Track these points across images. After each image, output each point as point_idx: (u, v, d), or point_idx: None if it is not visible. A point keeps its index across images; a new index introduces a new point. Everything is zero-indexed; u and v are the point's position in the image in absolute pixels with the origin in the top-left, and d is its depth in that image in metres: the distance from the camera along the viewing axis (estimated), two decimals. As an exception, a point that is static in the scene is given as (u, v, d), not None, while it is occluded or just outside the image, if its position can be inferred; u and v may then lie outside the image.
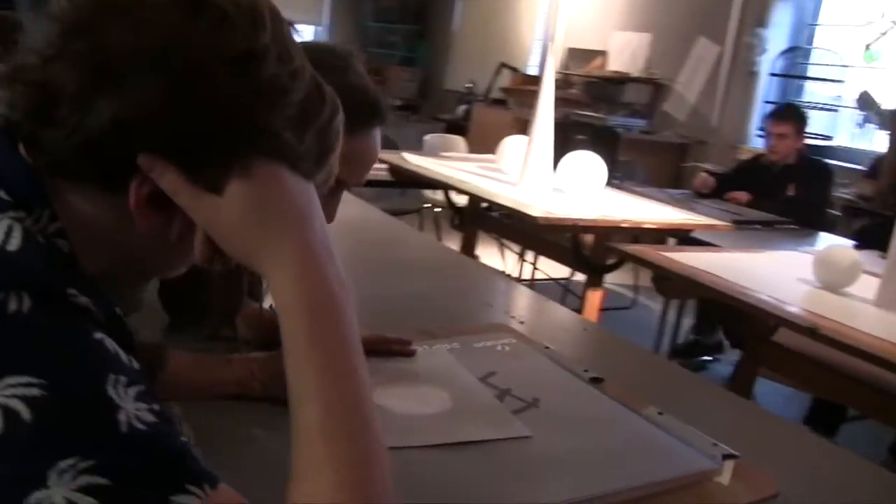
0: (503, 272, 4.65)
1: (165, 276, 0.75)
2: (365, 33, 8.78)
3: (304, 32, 8.51)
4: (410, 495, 0.83)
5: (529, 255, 4.40)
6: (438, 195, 4.24)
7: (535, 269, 4.32)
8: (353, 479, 0.55)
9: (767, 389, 2.82)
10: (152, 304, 1.24)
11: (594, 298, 2.46)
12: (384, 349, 1.22)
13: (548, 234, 2.75)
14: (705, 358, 3.60)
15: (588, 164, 2.50)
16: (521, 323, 1.49)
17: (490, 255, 4.72)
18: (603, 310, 3.93)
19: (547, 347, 1.32)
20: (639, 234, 2.38)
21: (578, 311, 2.59)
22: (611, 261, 2.37)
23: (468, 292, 1.72)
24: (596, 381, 1.20)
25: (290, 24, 0.68)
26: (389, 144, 4.12)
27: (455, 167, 2.97)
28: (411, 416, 1.03)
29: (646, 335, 3.55)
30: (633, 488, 0.90)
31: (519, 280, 4.31)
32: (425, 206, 4.68)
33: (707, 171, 4.08)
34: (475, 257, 4.88)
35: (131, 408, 0.51)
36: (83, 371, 0.52)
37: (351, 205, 2.59)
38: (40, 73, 0.58)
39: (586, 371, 1.22)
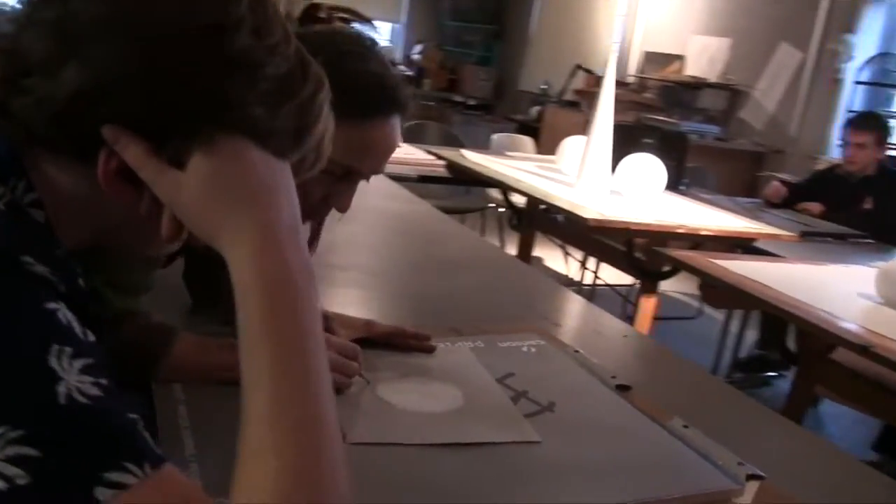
0: (558, 276, 4.59)
1: (148, 252, 0.74)
2: (442, 32, 8.79)
3: (381, 29, 8.57)
4: (406, 494, 0.81)
5: (592, 262, 4.31)
6: (512, 196, 4.18)
7: (596, 275, 4.23)
8: (297, 466, 0.53)
9: (835, 411, 2.70)
10: (179, 287, 1.24)
11: (647, 306, 2.38)
12: (402, 343, 1.19)
13: (603, 237, 2.67)
14: (770, 374, 3.47)
15: (647, 167, 2.43)
16: (557, 325, 1.44)
17: (555, 259, 4.65)
18: (664, 319, 3.85)
19: (577, 351, 1.27)
20: (699, 241, 2.29)
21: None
22: (666, 268, 2.28)
23: (508, 292, 1.68)
24: (623, 388, 1.14)
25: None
26: (456, 143, 4.11)
27: (514, 166, 2.92)
28: (418, 413, 1.00)
29: (707, 347, 3.44)
30: (639, 502, 0.85)
31: (581, 286, 4.24)
32: (490, 205, 4.63)
33: (780, 181, 3.93)
34: (532, 259, 4.85)
35: (74, 380, 0.50)
36: (25, 339, 0.51)
37: (401, 200, 2.58)
38: (11, 41, 0.58)
39: (614, 378, 1.17)
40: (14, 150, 0.60)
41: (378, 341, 1.19)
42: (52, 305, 0.53)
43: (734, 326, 3.44)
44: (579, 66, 6.68)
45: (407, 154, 3.57)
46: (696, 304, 4.27)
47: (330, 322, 1.15)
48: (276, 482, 0.52)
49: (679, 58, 6.20)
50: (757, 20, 5.56)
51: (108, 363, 0.55)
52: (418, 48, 8.57)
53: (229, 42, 0.58)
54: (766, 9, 5.50)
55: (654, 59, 6.45)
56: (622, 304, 3.78)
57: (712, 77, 5.82)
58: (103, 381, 0.53)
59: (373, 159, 1.06)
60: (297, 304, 0.58)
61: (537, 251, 4.78)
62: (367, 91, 1.02)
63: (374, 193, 2.66)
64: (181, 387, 0.99)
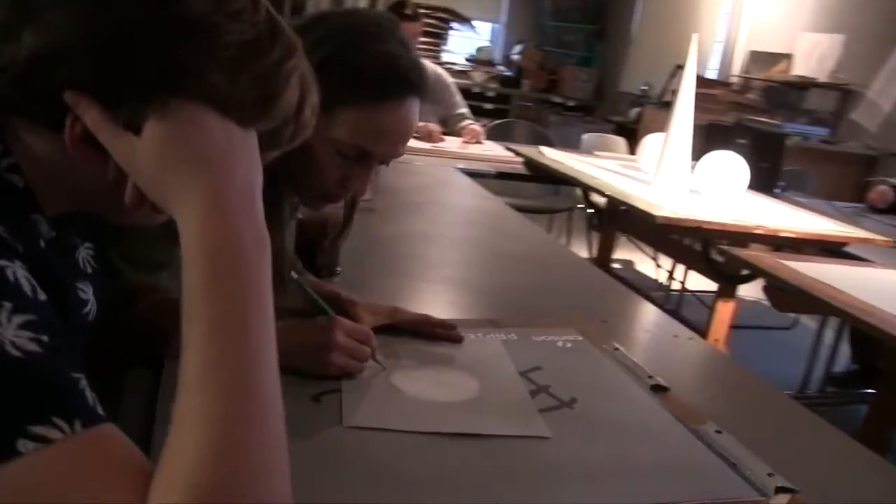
0: (647, 281, 4.45)
1: (125, 221, 0.73)
2: (543, 32, 8.69)
3: (481, 29, 8.55)
4: (398, 482, 0.77)
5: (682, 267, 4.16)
6: (593, 196, 4.08)
7: (683, 283, 4.07)
8: (222, 437, 0.51)
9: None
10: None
11: (724, 311, 2.25)
12: (429, 332, 1.16)
13: (679, 237, 2.56)
14: (868, 391, 3.25)
15: (729, 166, 2.31)
16: (604, 322, 1.37)
17: (646, 263, 4.51)
18: (754, 328, 3.67)
19: (616, 349, 1.20)
20: (780, 243, 2.16)
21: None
22: (744, 271, 2.16)
23: (561, 288, 1.63)
24: (659, 389, 1.08)
25: None
26: (544, 142, 4.03)
27: (593, 164, 2.84)
28: (427, 401, 0.96)
29: (798, 359, 3.26)
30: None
31: (669, 291, 4.09)
32: (578, 206, 4.54)
33: (889, 185, 3.68)
34: (622, 263, 4.72)
35: (10, 334, 0.51)
36: None
37: (472, 195, 2.55)
38: None
39: (651, 378, 1.10)
40: None
41: (404, 329, 1.16)
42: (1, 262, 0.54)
43: (828, 338, 3.25)
44: (679, 67, 6.47)
45: (486, 150, 3.53)
46: (792, 314, 4.06)
47: (355, 307, 1.13)
48: (197, 450, 0.51)
49: (786, 57, 5.93)
50: (872, 16, 5.25)
51: (54, 322, 0.55)
52: (518, 48, 8.50)
53: (185, 7, 0.58)
54: (884, 4, 5.19)
55: (760, 59, 6.19)
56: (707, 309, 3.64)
57: (821, 77, 5.53)
58: (44, 339, 0.53)
59: (387, 143, 1.03)
60: (241, 271, 0.57)
61: (627, 255, 4.66)
62: (380, 72, 1.00)
63: (447, 188, 2.66)
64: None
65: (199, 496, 0.49)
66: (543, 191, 4.79)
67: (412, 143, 3.59)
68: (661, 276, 4.27)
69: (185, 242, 0.57)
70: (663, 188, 2.30)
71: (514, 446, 0.88)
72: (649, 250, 4.06)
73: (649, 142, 2.68)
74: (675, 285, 4.07)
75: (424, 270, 1.62)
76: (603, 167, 2.79)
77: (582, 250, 4.14)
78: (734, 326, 2.43)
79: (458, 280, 1.62)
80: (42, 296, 0.56)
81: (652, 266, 4.38)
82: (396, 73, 1.00)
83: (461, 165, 3.05)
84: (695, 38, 2.20)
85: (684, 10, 7.22)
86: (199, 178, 0.57)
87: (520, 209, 4.01)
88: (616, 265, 4.79)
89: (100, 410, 0.56)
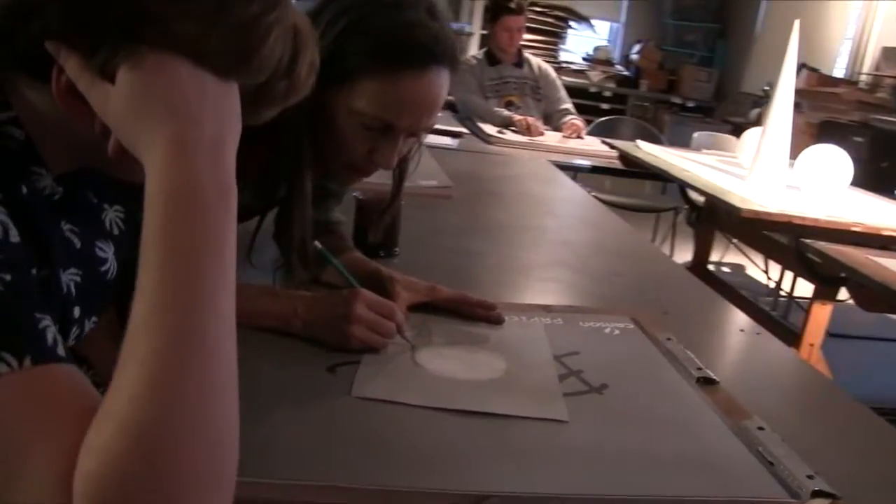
0: (757, 286, 4.23)
1: (125, 177, 0.73)
2: (663, 31, 8.45)
3: (599, 28, 8.41)
4: (396, 454, 0.75)
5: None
6: (693, 194, 3.92)
7: (778, 285, 3.85)
8: (157, 378, 0.50)
9: None
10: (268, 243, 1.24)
11: (820, 316, 2.10)
12: (468, 311, 1.13)
13: (773, 234, 2.41)
14: None
15: (829, 160, 2.16)
16: (665, 313, 1.30)
17: (755, 267, 4.30)
18: (871, 339, 3.43)
19: (669, 339, 1.14)
20: (882, 242, 1.98)
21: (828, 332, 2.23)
22: (843, 273, 2.00)
23: (631, 280, 1.55)
24: (706, 381, 1.01)
25: None
26: (652, 139, 3.90)
27: (688, 158, 2.72)
28: (446, 379, 0.93)
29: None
30: (652, 497, 0.73)
31: (778, 297, 3.89)
32: (685, 207, 4.38)
33: None
34: (733, 267, 4.51)
35: None
36: None
37: (560, 187, 2.49)
38: None
39: (700, 370, 1.03)
40: None
41: (444, 307, 1.13)
42: None
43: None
44: (804, 65, 6.15)
45: (584, 145, 3.45)
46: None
47: (393, 283, 1.11)
48: (131, 390, 0.50)
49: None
50: None
51: (24, 265, 0.56)
52: (636, 48, 8.30)
53: None
54: None
55: (893, 56, 5.80)
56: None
57: (961, 75, 5.14)
58: (6, 277, 0.54)
59: (409, 114, 1.01)
60: (198, 218, 0.56)
61: (740, 259, 4.45)
62: (398, 41, 0.97)
63: (533, 179, 2.61)
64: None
65: (128, 437, 0.48)
66: (651, 190, 4.66)
67: (509, 135, 3.56)
68: (772, 281, 4.06)
69: (147, 187, 0.56)
70: (758, 183, 2.17)
71: (529, 428, 0.84)
72: (758, 254, 3.86)
73: (749, 137, 2.54)
74: (784, 290, 3.86)
75: (487, 257, 1.59)
76: (699, 162, 2.67)
77: (686, 252, 3.99)
78: (838, 335, 2.27)
79: (518, 267, 1.58)
80: (14, 238, 0.57)
81: (772, 271, 4.17)
82: (415, 41, 0.98)
83: (554, 158, 2.99)
84: (796, 25, 2.06)
85: (811, 6, 6.86)
86: (165, 123, 0.57)
87: (623, 207, 3.94)
88: (725, 269, 4.60)
89: (60, 352, 0.56)
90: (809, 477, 0.79)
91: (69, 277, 0.73)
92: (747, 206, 1.96)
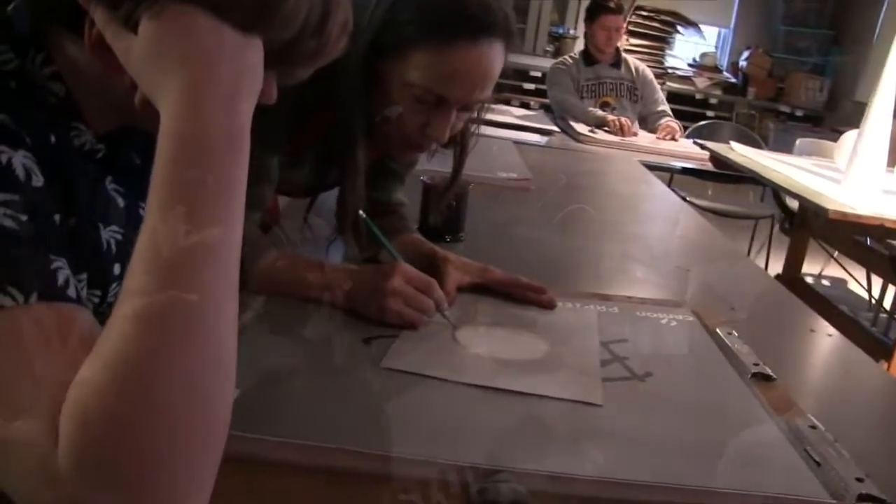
0: (858, 300, 4.02)
1: (157, 132, 0.74)
2: (774, 37, 8.16)
3: (707, 34, 8.18)
4: (420, 428, 0.73)
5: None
6: (788, 200, 3.75)
7: (879, 301, 3.64)
8: (147, 314, 0.50)
9: None
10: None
11: (916, 328, 1.97)
12: (520, 295, 1.11)
13: (863, 238, 2.27)
14: None
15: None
16: (732, 310, 1.24)
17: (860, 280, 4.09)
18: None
19: (730, 333, 1.08)
20: None
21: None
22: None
23: (707, 278, 1.48)
24: (761, 377, 0.96)
25: None
26: (752, 143, 3.76)
27: (782, 160, 2.60)
28: (481, 356, 0.91)
29: None
30: (673, 488, 0.69)
31: (880, 312, 3.68)
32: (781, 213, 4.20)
33: None
34: (832, 281, 4.30)
35: None
36: None
37: (643, 184, 2.43)
38: None
39: (757, 365, 0.98)
40: (36, 26, 0.66)
41: (494, 289, 1.12)
42: None
43: None
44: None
45: (676, 146, 3.36)
46: None
47: (446, 263, 1.11)
48: (123, 326, 0.50)
49: None
50: None
51: (44, 209, 0.58)
52: (745, 54, 8.04)
53: None
54: None
55: None
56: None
57: None
58: (23, 218, 0.56)
59: (460, 87, 0.99)
60: (203, 163, 0.56)
61: (841, 273, 4.24)
62: (449, 11, 0.96)
63: (616, 176, 2.55)
64: (264, 299, 0.99)
65: (113, 372, 0.49)
66: (752, 198, 4.50)
67: (600, 134, 3.49)
68: (873, 298, 3.85)
69: (160, 133, 0.57)
70: (853, 186, 2.06)
71: (557, 409, 0.81)
72: (859, 267, 3.67)
73: (847, 139, 2.41)
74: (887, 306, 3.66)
75: (556, 248, 1.56)
76: (793, 164, 2.55)
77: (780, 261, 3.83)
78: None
79: (587, 259, 1.54)
80: (38, 183, 0.59)
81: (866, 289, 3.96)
82: (466, 12, 0.96)
83: (645, 159, 2.92)
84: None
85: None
86: (178, 72, 0.57)
87: (715, 213, 3.82)
88: (825, 282, 4.40)
89: (71, 293, 0.57)
90: (859, 480, 0.74)
91: (110, 234, 0.74)
92: (835, 208, 1.86)
